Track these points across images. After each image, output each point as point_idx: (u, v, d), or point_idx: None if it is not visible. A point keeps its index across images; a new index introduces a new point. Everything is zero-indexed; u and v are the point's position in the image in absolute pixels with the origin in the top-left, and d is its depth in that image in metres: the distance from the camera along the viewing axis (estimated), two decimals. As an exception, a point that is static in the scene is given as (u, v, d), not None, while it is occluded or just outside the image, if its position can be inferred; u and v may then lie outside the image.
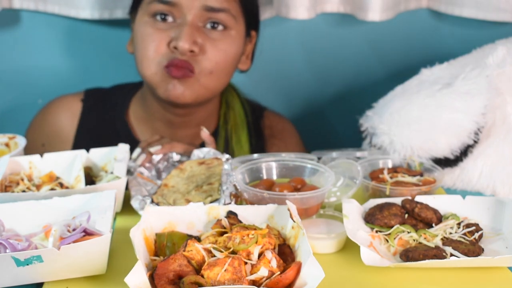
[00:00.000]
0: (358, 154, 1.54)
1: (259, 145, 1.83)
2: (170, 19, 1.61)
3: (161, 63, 1.60)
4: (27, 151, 1.49)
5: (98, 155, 1.45)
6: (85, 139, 1.79)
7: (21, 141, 1.48)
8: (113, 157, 1.42)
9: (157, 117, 1.75)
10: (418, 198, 1.30)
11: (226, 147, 1.78)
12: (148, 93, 1.74)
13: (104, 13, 1.89)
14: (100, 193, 1.24)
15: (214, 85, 1.65)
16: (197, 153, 1.47)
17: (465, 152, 1.51)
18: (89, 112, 1.81)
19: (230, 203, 1.25)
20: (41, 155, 1.40)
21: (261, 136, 1.85)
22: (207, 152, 1.46)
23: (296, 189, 1.29)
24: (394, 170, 1.43)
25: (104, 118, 1.80)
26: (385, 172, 1.41)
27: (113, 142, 1.75)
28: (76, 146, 1.78)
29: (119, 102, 1.81)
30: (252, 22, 1.73)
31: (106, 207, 1.19)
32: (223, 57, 1.62)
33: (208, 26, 1.61)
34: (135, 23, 1.68)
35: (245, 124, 1.82)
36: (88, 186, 1.27)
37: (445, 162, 1.50)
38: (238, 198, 1.29)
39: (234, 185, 1.31)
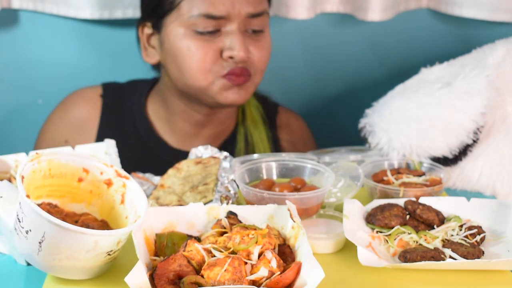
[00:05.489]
0: (352, 157, 1.53)
1: (275, 141, 1.86)
2: (215, 30, 1.63)
3: (218, 72, 1.64)
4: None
5: (85, 151, 1.42)
6: (107, 135, 1.73)
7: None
8: (102, 153, 1.41)
9: (183, 118, 1.78)
10: (423, 199, 1.30)
11: (246, 143, 1.81)
12: (170, 95, 1.75)
13: (103, 13, 1.89)
14: None
15: (259, 81, 1.74)
16: (195, 151, 1.47)
17: (464, 151, 1.50)
18: (110, 108, 1.82)
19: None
20: (27, 154, 1.38)
21: (276, 132, 1.88)
22: (205, 150, 1.46)
23: (296, 189, 1.29)
24: (397, 171, 1.42)
25: (124, 115, 1.81)
26: (389, 173, 1.40)
27: (134, 140, 1.76)
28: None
29: (135, 100, 1.81)
30: None
31: None
32: (266, 54, 1.71)
33: (251, 31, 1.67)
34: (164, 35, 1.66)
35: (261, 120, 1.86)
36: None
37: (444, 161, 1.50)
38: (229, 200, 1.29)
39: (226, 187, 1.31)
